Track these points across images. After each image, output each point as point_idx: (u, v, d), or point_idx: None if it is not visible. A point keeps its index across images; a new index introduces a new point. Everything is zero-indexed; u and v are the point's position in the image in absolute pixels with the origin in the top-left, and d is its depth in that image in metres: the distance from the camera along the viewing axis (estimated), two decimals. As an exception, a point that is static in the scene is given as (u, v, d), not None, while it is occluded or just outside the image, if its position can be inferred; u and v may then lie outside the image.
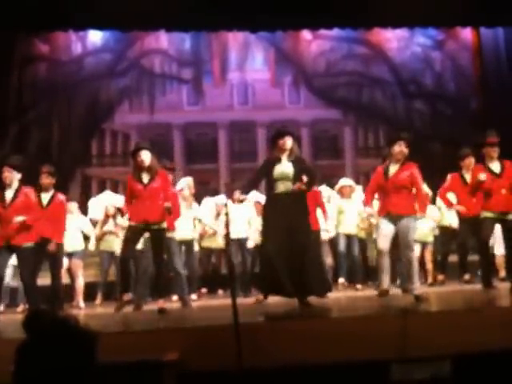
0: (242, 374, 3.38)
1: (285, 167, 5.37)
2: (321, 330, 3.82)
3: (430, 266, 8.14)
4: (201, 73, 11.54)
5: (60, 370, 2.41)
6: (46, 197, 6.55)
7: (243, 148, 11.75)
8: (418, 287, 5.24)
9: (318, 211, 7.38)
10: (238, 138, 11.84)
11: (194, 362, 3.52)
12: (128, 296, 5.64)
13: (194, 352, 3.57)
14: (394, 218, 5.24)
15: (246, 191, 5.81)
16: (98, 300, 8.08)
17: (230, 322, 3.55)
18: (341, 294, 7.13)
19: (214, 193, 9.43)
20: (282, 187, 5.32)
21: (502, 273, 7.58)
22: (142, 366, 3.24)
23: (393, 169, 5.32)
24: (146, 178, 5.60)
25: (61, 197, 6.66)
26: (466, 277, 7.58)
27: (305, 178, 5.30)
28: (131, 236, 5.62)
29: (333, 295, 6.84)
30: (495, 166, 5.88)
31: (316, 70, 11.65)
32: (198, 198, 8.39)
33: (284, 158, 5.42)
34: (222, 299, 7.43)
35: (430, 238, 8.11)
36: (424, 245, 8.07)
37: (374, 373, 3.60)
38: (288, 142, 5.41)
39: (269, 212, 5.35)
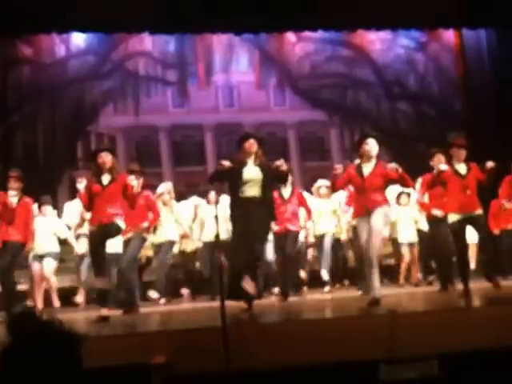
0: (229, 376, 3.38)
1: (253, 172, 5.33)
2: (308, 331, 3.83)
3: (414, 267, 8.19)
4: (185, 75, 11.53)
5: (45, 374, 2.38)
6: (13, 200, 6.63)
7: (231, 150, 11.72)
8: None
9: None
10: (224, 140, 11.83)
11: (182, 365, 3.50)
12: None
13: (181, 355, 3.55)
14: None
15: (212, 182, 5.74)
16: (79, 301, 8.04)
17: (215, 325, 3.55)
18: (326, 296, 7.14)
19: (203, 195, 9.39)
20: (249, 191, 5.29)
21: (473, 264, 7.74)
22: (128, 370, 3.22)
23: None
24: (105, 179, 5.49)
25: (26, 199, 6.74)
26: (430, 278, 7.78)
27: (278, 163, 5.36)
28: (94, 242, 5.43)
29: (319, 297, 6.88)
30: (461, 168, 5.91)
31: (300, 71, 11.70)
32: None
33: (250, 161, 5.38)
34: (206, 302, 7.37)
35: (415, 239, 8.15)
36: (411, 246, 8.12)
37: (362, 373, 3.61)
38: (254, 144, 5.39)
39: (235, 216, 5.30)
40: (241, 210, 5.24)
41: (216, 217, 3.84)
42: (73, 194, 10.34)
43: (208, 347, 3.57)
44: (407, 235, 8.05)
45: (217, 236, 4.13)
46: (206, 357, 3.57)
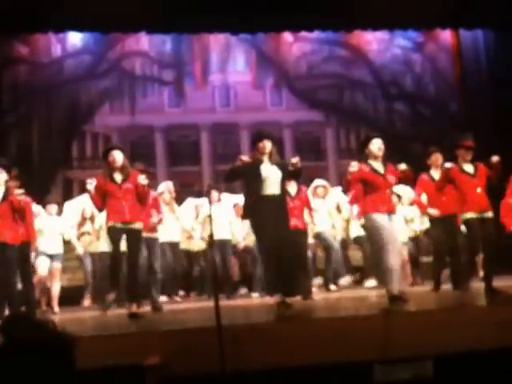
0: (224, 377, 3.37)
1: (272, 170, 5.35)
2: (303, 332, 3.82)
3: (408, 267, 8.18)
4: (182, 75, 11.51)
5: (38, 375, 2.37)
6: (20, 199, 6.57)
7: (226, 150, 11.73)
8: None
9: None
10: (220, 140, 11.83)
11: (176, 366, 3.49)
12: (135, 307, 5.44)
13: (175, 355, 3.54)
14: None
15: (229, 181, 5.75)
16: (87, 302, 8.03)
17: (211, 325, 3.54)
18: (321, 296, 7.13)
19: (198, 195, 9.39)
20: (269, 189, 5.30)
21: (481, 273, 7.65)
22: (122, 371, 3.21)
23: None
24: (118, 177, 5.50)
25: (27, 198, 6.69)
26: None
27: (294, 160, 5.34)
28: (115, 238, 5.50)
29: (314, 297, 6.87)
30: (468, 167, 5.91)
31: (297, 72, 11.68)
32: (182, 200, 8.36)
33: (266, 160, 5.40)
34: (199, 302, 7.36)
35: (406, 239, 8.15)
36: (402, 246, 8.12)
37: (356, 374, 3.60)
38: (268, 144, 5.39)
39: (261, 212, 5.24)
40: (264, 207, 5.21)
41: (209, 216, 3.84)
42: (66, 193, 10.36)
43: (203, 348, 3.56)
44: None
45: (210, 236, 4.13)
46: (200, 357, 3.56)
